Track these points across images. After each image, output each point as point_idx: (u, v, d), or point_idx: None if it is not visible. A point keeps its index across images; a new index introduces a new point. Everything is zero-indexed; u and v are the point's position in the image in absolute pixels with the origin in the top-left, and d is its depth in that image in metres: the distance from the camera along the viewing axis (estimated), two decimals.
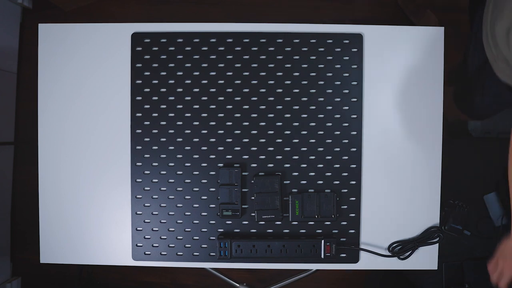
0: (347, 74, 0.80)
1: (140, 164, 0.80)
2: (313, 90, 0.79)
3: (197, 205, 0.80)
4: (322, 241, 0.76)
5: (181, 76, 0.80)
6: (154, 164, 0.80)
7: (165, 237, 0.80)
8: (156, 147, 0.80)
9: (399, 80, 0.80)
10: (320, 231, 0.79)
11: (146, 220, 0.80)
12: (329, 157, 0.79)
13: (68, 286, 1.56)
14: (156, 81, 0.80)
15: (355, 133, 0.79)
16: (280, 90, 0.80)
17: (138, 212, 0.80)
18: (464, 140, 1.27)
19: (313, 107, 0.79)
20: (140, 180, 0.80)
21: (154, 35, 0.80)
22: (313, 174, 0.79)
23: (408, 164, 0.80)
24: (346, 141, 0.79)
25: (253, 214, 0.78)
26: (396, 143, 0.80)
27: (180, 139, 0.80)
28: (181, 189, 0.80)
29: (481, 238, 1.00)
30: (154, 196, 0.80)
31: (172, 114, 0.80)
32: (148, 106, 0.80)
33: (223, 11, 1.54)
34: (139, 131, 0.80)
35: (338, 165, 0.79)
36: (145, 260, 0.80)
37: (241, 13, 1.54)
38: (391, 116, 0.80)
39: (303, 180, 0.79)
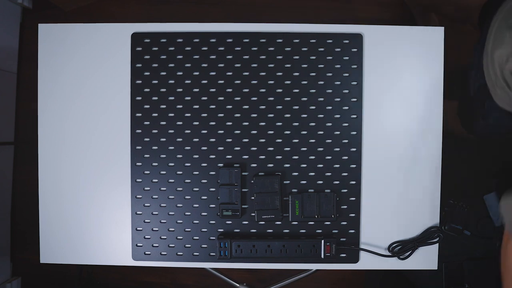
0: (347, 74, 0.80)
1: (140, 164, 0.80)
2: (313, 90, 0.79)
3: (197, 205, 0.80)
4: (322, 241, 0.76)
5: (181, 76, 0.80)
6: (154, 164, 0.80)
7: (165, 237, 0.80)
8: (156, 147, 0.80)
9: (399, 80, 0.80)
10: (320, 231, 0.79)
11: (146, 220, 0.80)
12: (329, 157, 0.79)
13: (68, 286, 1.56)
14: (156, 81, 0.80)
15: (355, 133, 0.79)
16: (280, 90, 0.80)
17: (138, 212, 0.80)
18: (464, 140, 1.27)
19: (313, 107, 0.79)
20: (140, 180, 0.80)
21: (154, 35, 0.80)
22: (313, 174, 0.79)
23: (408, 164, 0.80)
24: (346, 141, 0.79)
25: (253, 214, 0.78)
26: (396, 143, 0.80)
27: (180, 139, 0.80)
28: (181, 189, 0.80)
29: (481, 238, 1.00)
30: (154, 196, 0.80)
31: (172, 114, 0.80)
32: (148, 106, 0.80)
33: (223, 11, 1.54)
34: (139, 131, 0.80)
35: (338, 165, 0.79)
36: (145, 260, 0.80)
37: (241, 13, 1.54)
38: (391, 116, 0.80)
39: (303, 180, 0.79)
